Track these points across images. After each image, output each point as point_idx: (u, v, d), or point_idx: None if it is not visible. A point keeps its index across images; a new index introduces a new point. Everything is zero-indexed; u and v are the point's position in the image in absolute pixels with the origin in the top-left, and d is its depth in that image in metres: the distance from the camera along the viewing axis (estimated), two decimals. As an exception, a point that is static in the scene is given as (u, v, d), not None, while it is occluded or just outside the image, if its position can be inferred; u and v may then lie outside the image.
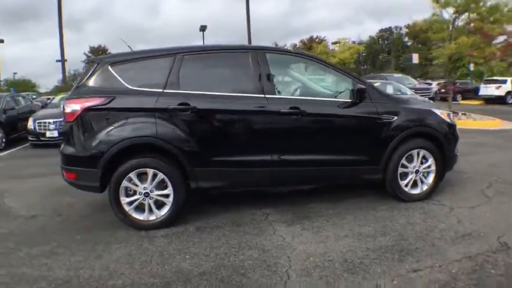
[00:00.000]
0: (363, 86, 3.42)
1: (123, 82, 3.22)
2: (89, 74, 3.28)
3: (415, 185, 3.69)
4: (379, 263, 2.51)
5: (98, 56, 3.47)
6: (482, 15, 10.87)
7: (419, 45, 52.39)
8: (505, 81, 19.07)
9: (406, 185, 3.66)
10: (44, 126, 8.84)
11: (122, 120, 3.13)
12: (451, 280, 2.26)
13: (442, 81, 23.57)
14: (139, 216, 3.22)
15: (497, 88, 18.97)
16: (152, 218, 3.22)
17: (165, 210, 3.23)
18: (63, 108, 3.29)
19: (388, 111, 3.54)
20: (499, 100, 18.48)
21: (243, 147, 3.31)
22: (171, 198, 3.21)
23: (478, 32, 10.89)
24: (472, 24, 11.27)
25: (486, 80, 20.70)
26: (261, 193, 4.10)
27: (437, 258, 2.53)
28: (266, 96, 3.31)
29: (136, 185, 3.18)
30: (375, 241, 2.85)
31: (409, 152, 3.60)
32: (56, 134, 8.70)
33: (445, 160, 3.72)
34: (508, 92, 18.61)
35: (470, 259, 2.51)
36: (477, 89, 20.57)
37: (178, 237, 3.05)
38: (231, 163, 3.29)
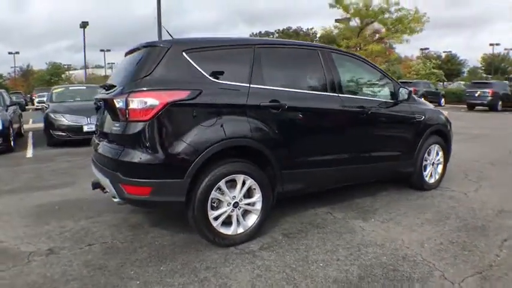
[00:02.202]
0: (409, 88, 4.06)
1: (203, 73, 2.93)
2: (158, 61, 2.83)
3: (430, 175, 4.56)
4: (475, 239, 3.11)
5: (163, 40, 3.00)
6: (388, 26, 13.67)
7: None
8: None
9: (426, 176, 4.49)
10: None
11: (211, 119, 2.85)
12: (539, 243, 3.05)
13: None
14: (227, 231, 2.99)
15: None
16: (240, 230, 3.05)
17: (252, 220, 3.10)
18: (126, 103, 2.73)
19: (418, 111, 4.29)
20: None
21: (324, 146, 3.48)
22: (258, 206, 3.11)
23: (382, 41, 13.58)
24: (377, 35, 13.95)
25: None
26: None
27: (507, 230, 3.30)
28: (339, 95, 3.57)
29: (223, 195, 2.94)
30: (447, 224, 3.46)
31: (429, 147, 4.45)
32: None
33: (449, 153, 4.73)
34: None
35: (531, 227, 3.38)
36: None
37: (280, 248, 2.99)
38: (313, 163, 3.40)
